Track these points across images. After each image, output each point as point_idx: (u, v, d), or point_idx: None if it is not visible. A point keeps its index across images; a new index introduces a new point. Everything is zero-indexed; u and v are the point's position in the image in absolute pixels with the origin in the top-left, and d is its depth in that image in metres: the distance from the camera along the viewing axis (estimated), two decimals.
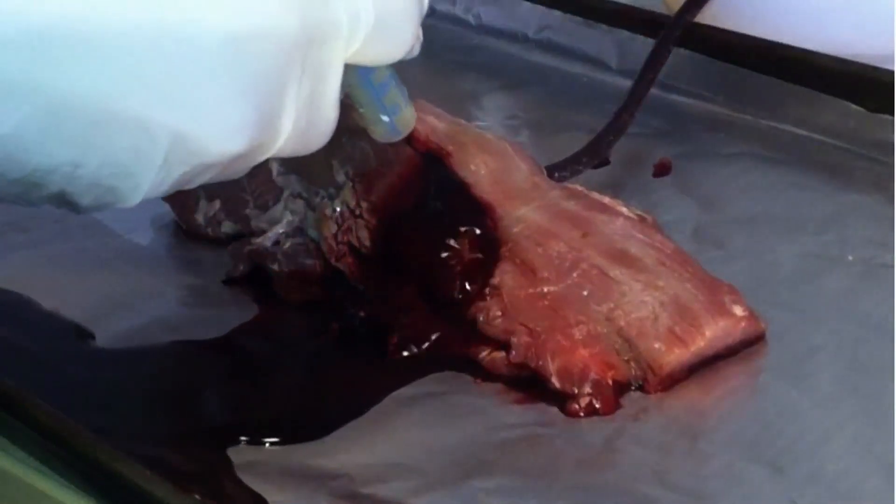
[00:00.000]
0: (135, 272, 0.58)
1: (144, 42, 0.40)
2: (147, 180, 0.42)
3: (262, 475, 0.47)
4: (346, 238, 0.54)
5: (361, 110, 0.49)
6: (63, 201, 0.42)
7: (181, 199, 0.59)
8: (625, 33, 0.74)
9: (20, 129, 0.39)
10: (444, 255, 0.53)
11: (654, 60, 0.69)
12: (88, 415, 0.48)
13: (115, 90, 0.40)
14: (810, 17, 0.72)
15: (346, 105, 0.47)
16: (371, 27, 0.45)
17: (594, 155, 0.63)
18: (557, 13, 0.77)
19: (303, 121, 0.45)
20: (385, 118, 0.49)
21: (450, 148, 0.55)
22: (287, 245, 0.56)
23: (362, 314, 0.54)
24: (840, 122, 0.66)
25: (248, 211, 0.58)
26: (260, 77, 0.43)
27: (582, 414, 0.49)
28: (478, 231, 0.53)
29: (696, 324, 0.51)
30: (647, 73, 0.68)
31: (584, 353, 0.50)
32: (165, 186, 0.43)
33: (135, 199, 0.43)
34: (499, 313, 0.52)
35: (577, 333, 0.50)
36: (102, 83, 0.40)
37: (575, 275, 0.52)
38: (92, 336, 0.54)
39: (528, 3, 0.78)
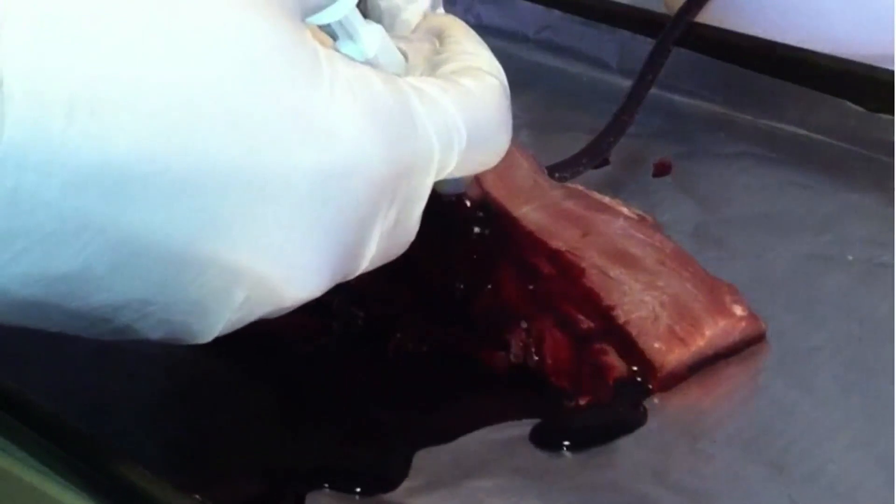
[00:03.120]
0: None
1: (226, 182, 0.37)
2: (222, 321, 0.39)
3: None
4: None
5: None
6: (129, 335, 0.39)
7: None
8: (625, 33, 0.74)
9: (87, 268, 0.36)
10: (444, 254, 0.53)
11: (654, 60, 0.69)
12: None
13: (194, 230, 0.37)
14: (810, 17, 0.72)
15: None
16: (464, 147, 0.43)
17: (594, 155, 0.63)
18: (557, 13, 0.77)
19: (384, 244, 0.43)
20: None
21: None
22: None
23: (362, 314, 0.54)
24: (840, 121, 0.66)
25: None
26: (348, 215, 0.40)
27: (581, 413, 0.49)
28: (478, 230, 0.53)
29: (697, 324, 0.51)
30: (647, 73, 0.68)
31: (583, 352, 0.50)
32: (241, 324, 0.40)
33: (207, 337, 0.40)
34: (498, 313, 0.52)
35: (577, 333, 0.50)
36: (181, 223, 0.37)
37: (575, 274, 0.52)
38: None
39: (528, 3, 0.78)
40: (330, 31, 0.44)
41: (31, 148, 0.34)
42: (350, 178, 0.39)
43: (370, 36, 0.44)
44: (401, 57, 0.46)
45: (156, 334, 0.39)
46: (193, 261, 0.37)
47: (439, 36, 0.47)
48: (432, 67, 0.46)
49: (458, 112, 0.43)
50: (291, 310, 0.41)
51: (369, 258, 0.42)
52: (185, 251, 0.37)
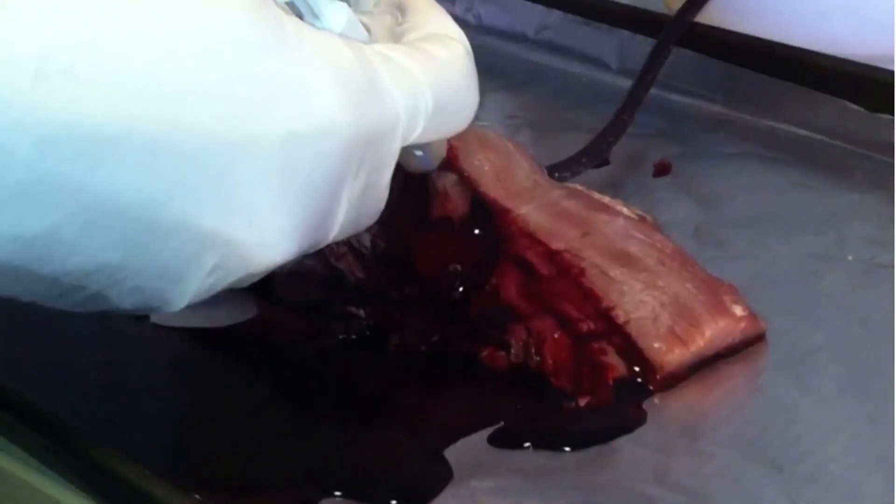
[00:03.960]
0: None
1: (196, 145, 0.37)
2: (194, 286, 0.40)
3: None
4: (346, 238, 0.54)
5: None
6: (101, 304, 0.40)
7: None
8: (625, 33, 0.74)
9: (59, 229, 0.36)
10: (444, 254, 0.53)
11: (654, 60, 0.69)
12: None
13: (164, 193, 0.37)
14: (810, 17, 0.72)
15: None
16: (430, 113, 0.44)
17: (594, 155, 0.63)
18: (557, 13, 0.77)
19: (354, 212, 0.43)
20: (418, 152, 0.49)
21: (454, 143, 0.55)
22: None
23: (362, 314, 0.54)
24: (840, 122, 0.66)
25: None
26: (315, 179, 0.40)
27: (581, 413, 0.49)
28: (478, 230, 0.53)
29: (696, 324, 0.51)
30: (647, 74, 0.68)
31: (583, 352, 0.50)
32: (213, 291, 0.41)
33: (179, 304, 0.40)
34: (499, 313, 0.52)
35: (577, 333, 0.51)
36: (151, 185, 0.37)
37: (575, 274, 0.52)
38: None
39: (528, 3, 0.78)
40: (296, 11, 0.44)
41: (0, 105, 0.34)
42: (319, 142, 0.40)
43: (335, 14, 0.45)
44: (365, 32, 0.46)
45: (129, 302, 0.40)
46: (164, 224, 0.38)
47: (401, 8, 0.48)
48: (395, 38, 0.46)
49: (423, 76, 0.44)
50: (261, 276, 0.42)
51: (339, 224, 0.43)
52: (156, 214, 0.38)
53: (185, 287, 0.40)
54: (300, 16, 0.44)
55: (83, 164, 0.36)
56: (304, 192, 0.40)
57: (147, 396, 0.52)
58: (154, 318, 0.54)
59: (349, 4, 0.46)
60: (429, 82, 0.44)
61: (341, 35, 0.44)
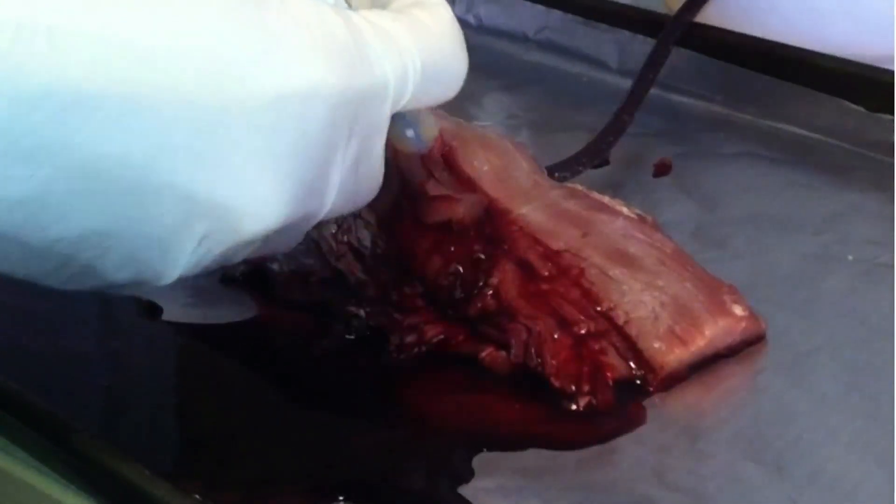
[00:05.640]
0: None
1: (179, 106, 0.37)
2: (184, 256, 0.39)
3: None
4: (346, 238, 0.54)
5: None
6: (93, 279, 0.39)
7: None
8: (625, 33, 0.74)
9: (43, 192, 0.36)
10: (445, 254, 0.53)
11: (654, 60, 0.69)
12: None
13: (148, 155, 0.37)
14: (810, 17, 0.72)
15: None
16: (419, 78, 0.44)
17: (594, 155, 0.63)
18: (557, 13, 0.77)
19: (349, 183, 0.43)
20: (410, 132, 0.49)
21: (454, 143, 0.55)
22: None
23: (362, 314, 0.54)
24: (840, 122, 0.66)
25: None
26: (303, 142, 0.40)
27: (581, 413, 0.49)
28: (478, 230, 0.53)
29: (696, 324, 0.51)
30: (647, 73, 0.68)
31: (583, 352, 0.50)
32: (205, 263, 0.40)
33: (171, 275, 0.40)
34: (499, 313, 0.52)
35: (577, 333, 0.50)
36: (134, 147, 0.37)
37: (575, 274, 0.52)
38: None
39: (528, 3, 0.78)
40: None
41: None
42: (305, 105, 0.40)
43: None
44: (344, 2, 0.46)
45: (120, 275, 0.39)
46: (149, 188, 0.37)
47: None
48: (381, 6, 0.46)
49: (410, 41, 0.44)
50: (252, 247, 0.41)
51: (333, 194, 0.42)
52: (141, 177, 0.37)
53: (175, 257, 0.39)
54: None
55: (64, 125, 0.36)
56: (292, 157, 0.40)
57: (147, 396, 0.52)
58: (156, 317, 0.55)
59: None
60: (416, 47, 0.44)
61: (326, 1, 0.44)
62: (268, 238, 0.42)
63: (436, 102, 0.47)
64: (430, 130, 0.50)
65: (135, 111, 0.37)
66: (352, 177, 0.43)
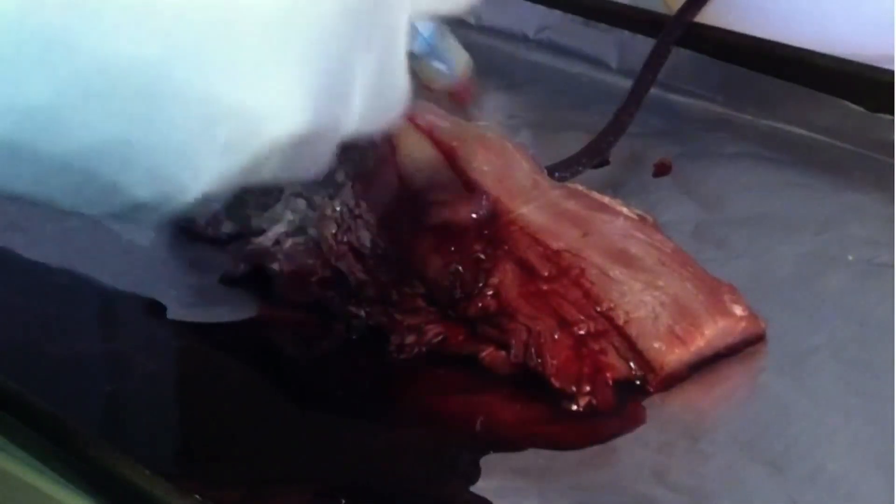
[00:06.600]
0: (135, 272, 0.58)
1: (185, 4, 0.37)
2: (208, 166, 0.38)
3: None
4: (346, 238, 0.54)
5: (417, 63, 0.47)
6: (115, 198, 0.38)
7: None
8: (625, 33, 0.74)
9: (59, 97, 0.36)
10: (445, 254, 0.53)
11: (654, 60, 0.69)
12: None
13: (158, 56, 0.37)
14: (810, 17, 0.72)
15: None
16: None
17: (594, 155, 0.63)
18: (557, 13, 0.77)
19: (374, 93, 0.42)
20: (440, 65, 0.48)
21: (454, 144, 0.55)
22: (287, 245, 0.56)
23: (362, 314, 0.54)
24: (840, 122, 0.66)
25: (248, 210, 0.58)
26: (319, 43, 0.39)
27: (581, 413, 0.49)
28: (478, 230, 0.53)
29: (696, 323, 0.51)
30: (647, 73, 0.68)
31: (583, 352, 0.50)
32: (230, 175, 0.39)
33: (196, 189, 0.39)
34: (499, 313, 0.52)
35: (577, 333, 0.51)
36: (145, 48, 0.36)
37: (575, 274, 0.52)
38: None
39: (528, 3, 0.78)
40: None
41: None
42: (316, 4, 0.39)
43: None
44: None
45: (144, 192, 0.38)
46: (166, 92, 0.37)
47: None
48: None
49: None
50: (275, 159, 0.40)
51: (357, 105, 0.41)
52: (156, 81, 0.37)
53: (198, 167, 0.38)
54: None
55: (75, 23, 0.35)
56: (310, 55, 0.39)
57: (147, 396, 0.52)
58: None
59: None
60: None
61: None
62: (294, 153, 0.40)
63: (457, 6, 0.45)
64: (462, 64, 0.49)
65: (144, 9, 0.36)
66: (376, 87, 0.42)
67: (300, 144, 0.40)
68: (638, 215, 0.56)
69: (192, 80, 0.37)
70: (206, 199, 0.39)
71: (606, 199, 0.56)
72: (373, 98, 0.42)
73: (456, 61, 0.49)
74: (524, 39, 0.78)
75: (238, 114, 0.38)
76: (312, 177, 0.43)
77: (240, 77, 0.38)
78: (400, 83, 0.43)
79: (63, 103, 0.36)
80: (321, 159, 0.42)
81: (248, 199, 0.58)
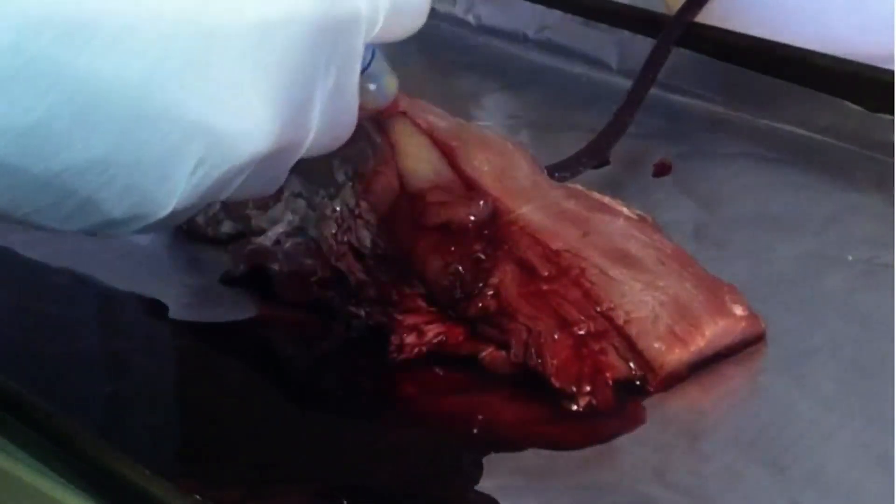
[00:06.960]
0: (135, 272, 0.58)
1: (172, 30, 0.39)
2: (181, 183, 0.41)
3: None
4: (346, 238, 0.54)
5: None
6: (92, 214, 0.41)
7: None
8: (625, 33, 0.74)
9: (49, 118, 0.38)
10: (445, 254, 0.53)
11: (654, 60, 0.69)
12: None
13: (144, 79, 0.39)
14: (810, 17, 0.72)
15: None
16: (389, 9, 0.46)
17: (594, 155, 0.63)
18: (557, 13, 0.77)
19: (329, 114, 0.45)
20: (372, 86, 0.50)
21: (454, 143, 0.55)
22: (287, 245, 0.56)
23: (362, 314, 0.54)
24: (840, 122, 0.66)
25: (248, 210, 0.58)
26: (287, 66, 0.42)
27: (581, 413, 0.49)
28: (478, 230, 0.53)
29: (696, 324, 0.51)
30: (647, 73, 0.68)
31: (583, 352, 0.50)
32: (201, 191, 0.42)
33: (169, 204, 0.41)
34: (499, 313, 0.52)
35: (577, 333, 0.51)
36: (131, 71, 0.39)
37: (575, 274, 0.52)
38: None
39: (528, 3, 0.78)
40: None
41: None
42: (288, 28, 0.42)
43: None
44: None
45: (119, 208, 0.41)
46: (148, 112, 0.39)
47: None
48: None
49: None
50: (241, 176, 0.43)
51: (315, 124, 0.44)
52: (139, 102, 0.39)
53: (172, 184, 0.41)
54: None
55: (65, 49, 0.38)
56: (279, 80, 0.42)
57: (147, 396, 0.52)
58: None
59: None
60: None
61: None
62: (256, 170, 0.43)
63: (402, 35, 0.48)
64: (391, 86, 0.51)
65: (128, 35, 0.38)
66: (330, 109, 0.45)
67: (263, 162, 0.43)
68: (638, 215, 0.56)
69: (171, 100, 0.40)
70: (174, 216, 0.42)
71: (606, 200, 0.56)
72: (328, 118, 0.45)
73: (387, 83, 0.51)
74: (524, 39, 0.78)
75: (211, 132, 0.41)
76: (269, 194, 0.46)
77: (214, 98, 0.41)
78: (352, 105, 0.46)
79: (51, 125, 0.38)
80: (280, 177, 0.46)
81: (248, 199, 0.58)
